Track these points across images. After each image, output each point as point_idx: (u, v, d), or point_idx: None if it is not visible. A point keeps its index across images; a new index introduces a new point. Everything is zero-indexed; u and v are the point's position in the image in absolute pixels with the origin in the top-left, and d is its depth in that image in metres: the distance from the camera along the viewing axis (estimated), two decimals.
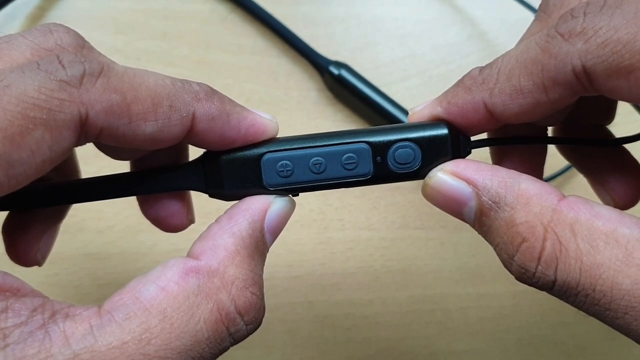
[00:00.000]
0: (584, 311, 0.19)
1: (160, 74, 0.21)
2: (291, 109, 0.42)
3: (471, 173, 0.21)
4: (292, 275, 0.40)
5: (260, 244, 0.22)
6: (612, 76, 0.18)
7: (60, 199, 0.24)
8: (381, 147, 0.23)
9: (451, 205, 0.22)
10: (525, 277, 0.20)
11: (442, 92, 0.23)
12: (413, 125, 0.23)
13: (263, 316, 0.21)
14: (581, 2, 0.21)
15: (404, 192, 0.42)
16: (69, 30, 0.21)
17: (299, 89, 0.43)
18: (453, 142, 0.22)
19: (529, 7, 0.43)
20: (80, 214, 0.39)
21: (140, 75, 0.20)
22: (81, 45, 0.21)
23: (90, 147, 0.26)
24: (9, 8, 0.41)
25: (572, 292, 0.19)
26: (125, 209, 0.39)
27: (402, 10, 0.45)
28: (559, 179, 0.42)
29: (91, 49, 0.21)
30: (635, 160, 0.27)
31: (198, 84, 0.22)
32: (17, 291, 0.18)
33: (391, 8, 0.45)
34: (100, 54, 0.21)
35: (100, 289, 0.38)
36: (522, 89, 0.20)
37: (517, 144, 0.26)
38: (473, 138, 0.24)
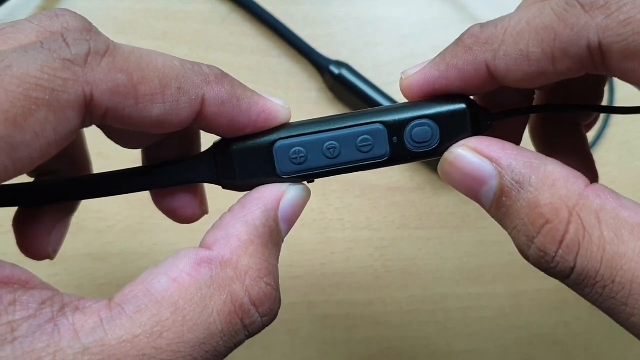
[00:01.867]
0: (597, 305, 0.18)
1: (169, 55, 0.20)
2: (292, 109, 0.42)
3: (495, 151, 0.20)
4: (292, 275, 0.40)
5: (274, 233, 0.21)
6: (628, 58, 0.17)
7: (70, 195, 0.24)
8: (397, 127, 0.22)
9: (469, 184, 0.21)
10: (543, 261, 0.19)
11: (438, 53, 0.22)
12: (428, 102, 0.22)
13: (279, 308, 0.20)
14: None
15: (404, 192, 0.42)
16: (75, 14, 0.20)
17: (299, 89, 0.43)
18: (472, 117, 0.21)
19: None
20: (80, 214, 0.38)
21: (148, 56, 0.19)
22: (88, 28, 0.20)
23: (92, 146, 0.26)
24: (8, 7, 0.41)
25: (590, 282, 0.18)
26: (125, 209, 0.39)
27: (402, 10, 0.45)
28: None
29: (98, 32, 0.20)
30: (586, 151, 0.26)
31: (208, 66, 0.21)
32: (26, 284, 0.18)
33: (391, 8, 0.45)
34: (106, 37, 0.21)
35: (100, 289, 0.38)
36: (530, 56, 0.19)
37: (543, 112, 0.24)
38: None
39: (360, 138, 0.22)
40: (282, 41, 0.43)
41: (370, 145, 0.22)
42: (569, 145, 0.27)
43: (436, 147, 0.22)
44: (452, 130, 0.21)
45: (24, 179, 0.22)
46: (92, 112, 0.18)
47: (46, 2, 0.42)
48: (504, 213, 0.20)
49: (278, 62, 0.43)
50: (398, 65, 0.44)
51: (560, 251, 0.18)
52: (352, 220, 0.41)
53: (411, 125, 0.22)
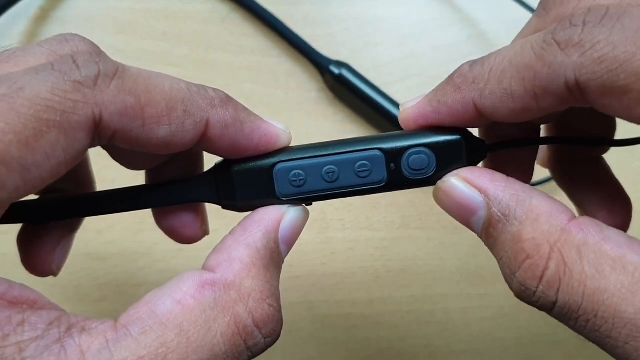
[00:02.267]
0: (583, 336, 0.19)
1: (175, 78, 0.21)
2: (291, 109, 0.42)
3: (484, 182, 0.21)
4: (292, 275, 0.40)
5: (275, 255, 0.21)
6: (605, 94, 0.18)
7: (72, 212, 0.24)
8: (394, 154, 0.22)
9: (461, 213, 0.21)
10: (525, 295, 0.19)
11: (433, 88, 0.23)
12: (426, 131, 0.22)
13: (281, 329, 0.21)
14: (582, 6, 0.20)
15: (404, 192, 0.42)
16: (84, 39, 0.21)
17: (299, 89, 0.43)
18: (468, 147, 0.22)
19: (528, 7, 0.43)
20: None
21: (155, 78, 0.20)
22: (97, 52, 0.21)
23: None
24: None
25: (573, 315, 0.18)
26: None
27: (402, 10, 0.45)
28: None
29: (106, 55, 0.21)
30: (612, 179, 0.26)
31: (214, 90, 0.21)
32: (34, 304, 0.18)
33: (391, 8, 0.45)
34: (115, 60, 0.21)
35: (100, 289, 0.38)
36: (513, 94, 0.20)
37: (535, 145, 0.25)
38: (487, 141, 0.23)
39: (358, 163, 0.22)
40: (283, 41, 0.43)
41: (368, 170, 0.22)
42: (593, 177, 0.27)
43: (432, 174, 0.22)
44: (448, 159, 0.22)
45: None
46: (100, 133, 0.19)
47: (48, 3, 0.42)
48: (492, 243, 0.21)
49: (278, 62, 0.43)
50: (398, 65, 0.44)
51: (541, 286, 0.19)
52: (352, 220, 0.41)
53: (408, 152, 0.22)
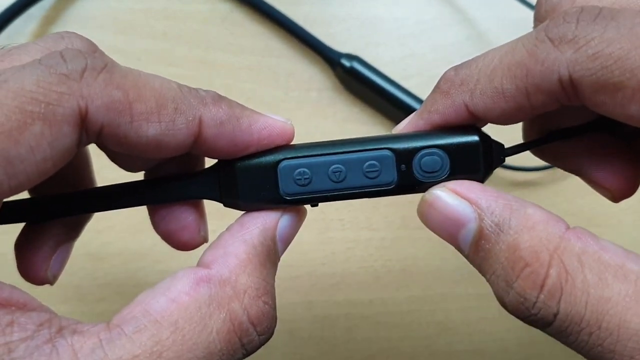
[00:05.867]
0: (582, 353, 0.18)
1: (166, 78, 0.20)
2: (291, 109, 0.42)
3: (475, 193, 0.20)
4: (292, 275, 0.40)
5: (272, 252, 0.21)
6: (599, 91, 0.17)
7: (68, 210, 0.23)
8: (406, 154, 0.21)
9: (448, 226, 0.20)
10: (522, 307, 0.18)
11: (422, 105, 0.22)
12: (441, 131, 0.21)
13: (275, 326, 0.21)
14: (575, 6, 0.20)
15: None
16: (81, 37, 0.21)
17: (299, 89, 0.43)
18: (485, 149, 0.21)
19: (530, 5, 0.43)
20: None
21: (145, 76, 0.19)
22: (92, 50, 0.20)
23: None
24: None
25: (575, 328, 0.17)
26: (125, 209, 0.39)
27: (402, 10, 0.45)
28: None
29: (102, 53, 0.21)
30: (622, 144, 0.24)
31: (205, 90, 0.21)
32: (24, 306, 0.18)
33: (391, 8, 0.45)
34: (108, 57, 0.21)
35: (100, 289, 0.38)
36: (504, 92, 0.19)
37: (555, 141, 0.23)
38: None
39: (367, 163, 0.21)
40: (283, 41, 0.43)
41: (377, 171, 0.21)
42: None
43: (446, 178, 0.21)
44: (463, 162, 0.21)
45: None
46: (87, 127, 0.18)
47: (56, 3, 0.42)
48: (482, 257, 0.20)
49: (278, 62, 0.43)
50: (398, 65, 0.44)
51: (542, 296, 0.18)
52: (352, 220, 0.41)
53: (421, 153, 0.21)
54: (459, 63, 0.21)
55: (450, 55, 0.45)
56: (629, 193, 0.24)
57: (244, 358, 0.20)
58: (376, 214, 0.41)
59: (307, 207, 0.23)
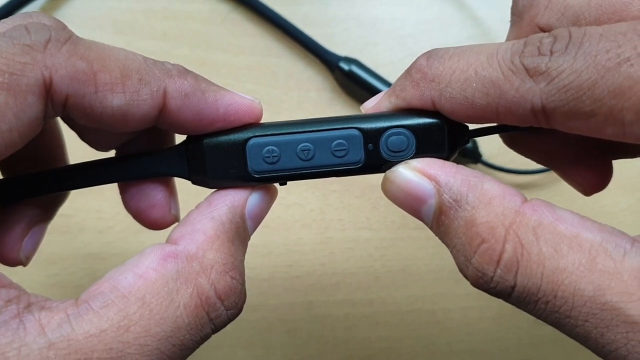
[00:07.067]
0: (542, 319, 0.19)
1: (132, 51, 0.20)
2: (291, 109, 0.42)
3: (434, 169, 0.20)
4: (292, 275, 0.40)
5: (240, 230, 0.21)
6: (571, 118, 0.18)
7: (34, 190, 0.23)
8: (373, 134, 0.21)
9: (410, 202, 0.21)
10: (482, 281, 0.19)
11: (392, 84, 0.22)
12: (407, 112, 0.22)
13: (244, 302, 0.21)
14: (552, 7, 0.20)
15: None
16: (49, 16, 0.21)
17: (299, 89, 0.43)
18: (450, 131, 0.21)
19: None
20: (80, 214, 0.39)
21: (110, 49, 0.20)
22: (61, 27, 0.20)
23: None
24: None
25: (532, 298, 0.18)
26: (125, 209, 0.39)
27: (402, 10, 0.45)
28: None
29: (69, 29, 0.21)
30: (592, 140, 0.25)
31: (172, 63, 0.21)
32: None
33: (391, 8, 0.45)
34: (72, 31, 0.21)
35: None
36: (474, 104, 0.19)
37: (516, 132, 0.24)
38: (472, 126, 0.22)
39: (335, 142, 0.22)
40: (283, 41, 0.43)
41: (345, 150, 0.22)
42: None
43: (411, 157, 0.22)
44: (428, 141, 0.21)
45: None
46: (52, 98, 0.19)
47: (48, 3, 0.42)
48: (443, 232, 0.20)
49: (278, 62, 0.43)
50: (398, 65, 0.44)
51: (499, 270, 0.18)
52: (352, 220, 0.41)
53: (387, 133, 0.22)
54: (433, 48, 0.22)
55: None
56: (599, 187, 0.24)
57: (213, 333, 0.20)
58: (376, 214, 0.41)
59: (278, 186, 0.23)
